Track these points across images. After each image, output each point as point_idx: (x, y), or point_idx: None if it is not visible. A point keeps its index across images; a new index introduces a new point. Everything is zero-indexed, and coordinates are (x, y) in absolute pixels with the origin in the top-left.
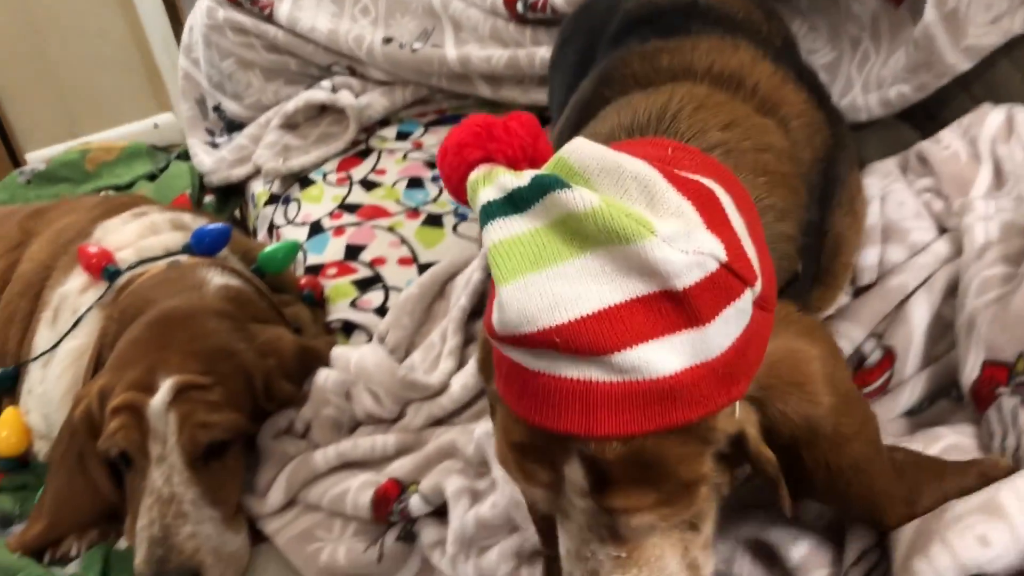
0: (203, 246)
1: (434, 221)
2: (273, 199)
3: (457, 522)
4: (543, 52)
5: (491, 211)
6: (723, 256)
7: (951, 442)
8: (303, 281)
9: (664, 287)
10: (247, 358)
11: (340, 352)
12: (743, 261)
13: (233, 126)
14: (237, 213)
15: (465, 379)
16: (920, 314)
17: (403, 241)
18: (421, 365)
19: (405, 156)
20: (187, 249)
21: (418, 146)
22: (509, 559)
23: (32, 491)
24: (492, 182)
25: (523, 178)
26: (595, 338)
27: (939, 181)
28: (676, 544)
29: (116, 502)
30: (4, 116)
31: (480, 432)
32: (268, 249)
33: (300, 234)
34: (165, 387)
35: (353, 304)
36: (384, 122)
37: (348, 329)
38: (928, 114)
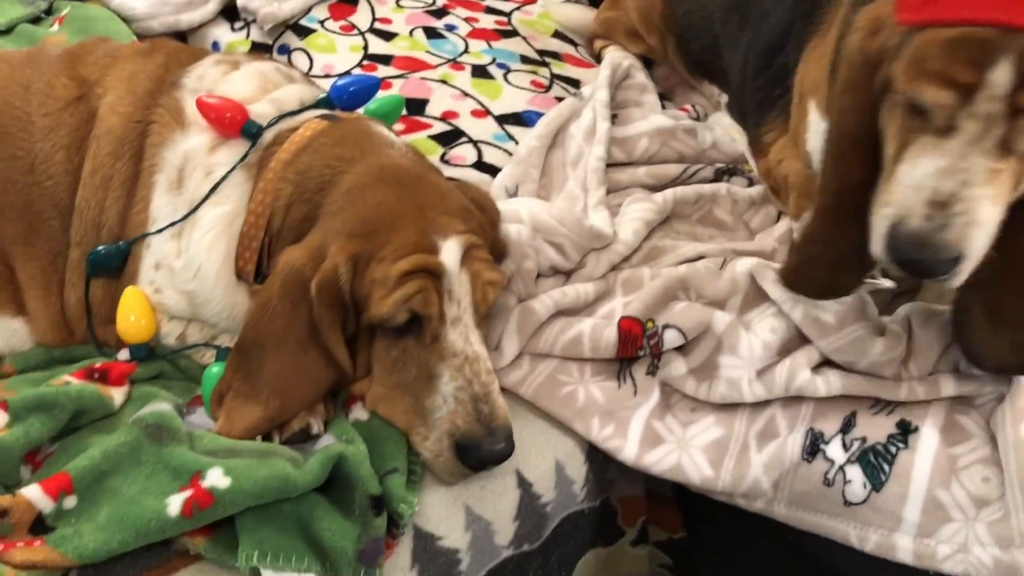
0: (344, 100)
1: (482, 72)
2: (258, 48)
3: (747, 350)
4: None
5: None
6: None
7: None
8: None
9: None
10: (478, 214)
11: (505, 207)
12: None
13: None
14: None
15: (634, 225)
16: None
17: (465, 94)
18: None
19: (399, 3)
20: (325, 102)
21: None
22: (804, 367)
23: (172, 379)
24: None
25: None
26: None
27: None
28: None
29: (348, 373)
30: None
31: (742, 268)
32: (374, 106)
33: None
34: (455, 247)
35: (443, 160)
36: None
37: None
38: None
